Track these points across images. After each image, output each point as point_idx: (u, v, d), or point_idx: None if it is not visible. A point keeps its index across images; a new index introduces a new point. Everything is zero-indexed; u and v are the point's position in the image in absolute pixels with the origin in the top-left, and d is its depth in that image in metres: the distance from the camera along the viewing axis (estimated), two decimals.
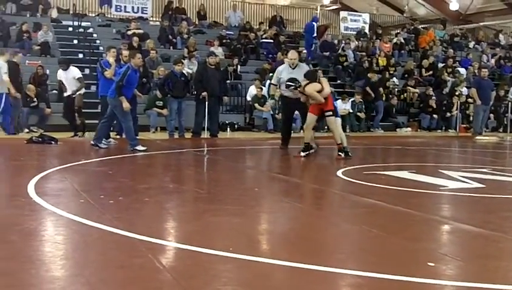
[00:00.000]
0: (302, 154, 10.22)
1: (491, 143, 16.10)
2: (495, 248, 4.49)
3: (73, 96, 12.91)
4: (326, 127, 12.51)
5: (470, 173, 8.47)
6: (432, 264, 3.88)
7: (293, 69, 11.32)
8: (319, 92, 10.03)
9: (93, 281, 3.52)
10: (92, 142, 11.10)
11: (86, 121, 13.43)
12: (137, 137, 11.27)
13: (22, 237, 4.44)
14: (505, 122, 19.73)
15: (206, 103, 14.09)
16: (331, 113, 10.29)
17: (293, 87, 10.37)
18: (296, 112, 12.08)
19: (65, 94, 13.13)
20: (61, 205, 5.66)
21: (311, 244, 4.52)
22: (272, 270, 3.80)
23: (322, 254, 4.23)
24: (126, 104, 10.50)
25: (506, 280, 3.65)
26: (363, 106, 18.54)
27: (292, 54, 11.76)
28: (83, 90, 13.23)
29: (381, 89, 19.14)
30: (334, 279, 3.65)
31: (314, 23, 22.18)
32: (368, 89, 18.76)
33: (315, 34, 21.90)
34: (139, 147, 10.64)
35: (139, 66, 11.31)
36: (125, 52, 12.61)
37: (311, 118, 10.32)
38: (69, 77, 12.92)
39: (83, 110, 13.50)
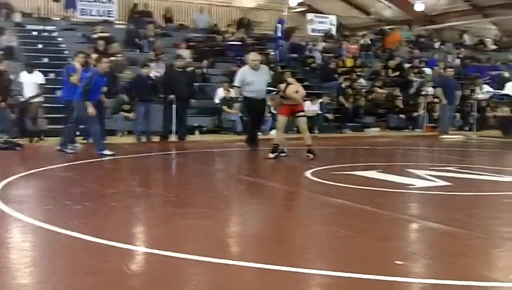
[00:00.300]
0: (271, 155, 10.23)
1: (457, 142, 16.33)
2: (462, 245, 4.56)
3: (30, 102, 12.67)
4: (295, 128, 12.55)
5: (436, 172, 8.58)
6: (400, 262, 3.92)
7: (256, 70, 11.43)
8: (296, 93, 10.14)
9: (61, 288, 3.49)
10: (57, 147, 10.96)
11: (52, 126, 13.26)
12: (104, 141, 11.17)
13: None
14: (471, 121, 20.02)
15: (174, 106, 14.02)
16: (303, 113, 10.39)
17: (274, 93, 10.34)
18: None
19: (21, 99, 12.87)
20: (27, 211, 5.59)
21: (280, 245, 4.53)
22: (242, 273, 3.80)
23: (291, 255, 4.24)
24: (92, 109, 10.41)
25: (473, 277, 3.70)
26: (332, 107, 18.65)
27: (254, 56, 11.87)
28: (41, 98, 12.97)
29: (349, 90, 19.26)
30: (304, 279, 3.67)
31: (279, 24, 22.35)
32: (341, 98, 18.89)
33: (279, 35, 22.03)
34: (106, 152, 10.55)
35: (106, 71, 11.20)
36: (94, 56, 12.56)
37: (282, 119, 10.37)
38: (32, 81, 12.74)
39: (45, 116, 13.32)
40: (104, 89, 11.46)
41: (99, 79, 10.62)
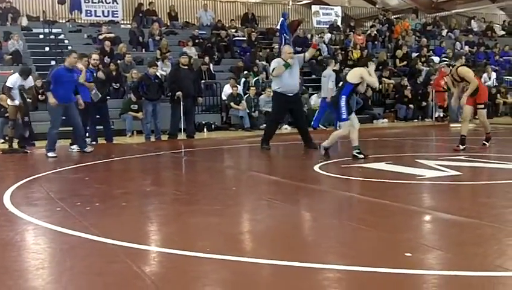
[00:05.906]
0: (461, 147, 10.06)
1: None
2: (472, 234, 4.53)
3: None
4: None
5: (446, 161, 8.54)
6: (409, 254, 3.90)
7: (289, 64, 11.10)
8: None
9: (71, 289, 3.50)
10: (70, 148, 11.13)
11: (63, 129, 13.21)
12: (113, 142, 11.24)
13: None
14: None
15: (182, 104, 14.02)
16: (483, 106, 10.79)
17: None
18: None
19: (13, 103, 12.02)
20: (38, 214, 5.61)
21: (290, 240, 4.52)
22: (252, 269, 3.80)
23: (301, 250, 4.23)
24: (52, 99, 10.63)
25: (484, 267, 3.68)
26: None
27: (289, 48, 11.71)
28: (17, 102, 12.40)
29: None
30: (314, 274, 3.65)
31: (282, 18, 22.39)
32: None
33: (283, 29, 22.04)
34: (51, 154, 10.66)
35: (74, 65, 11.22)
36: (95, 56, 12.71)
37: (468, 110, 10.62)
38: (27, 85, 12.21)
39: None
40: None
41: (63, 73, 10.88)
